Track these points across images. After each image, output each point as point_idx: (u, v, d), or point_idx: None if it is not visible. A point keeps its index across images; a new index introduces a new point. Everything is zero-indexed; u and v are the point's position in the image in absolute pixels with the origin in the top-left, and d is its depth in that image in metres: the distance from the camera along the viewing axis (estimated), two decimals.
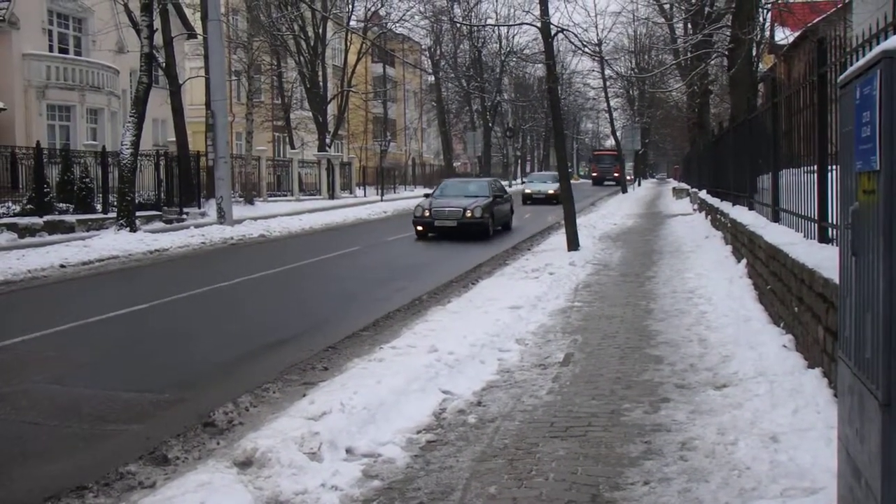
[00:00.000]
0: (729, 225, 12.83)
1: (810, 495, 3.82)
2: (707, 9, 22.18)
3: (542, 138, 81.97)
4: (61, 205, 20.82)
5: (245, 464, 4.45)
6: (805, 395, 5.00)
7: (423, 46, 60.49)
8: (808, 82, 7.00)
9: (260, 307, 10.77)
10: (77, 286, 12.57)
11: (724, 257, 12.28)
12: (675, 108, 44.97)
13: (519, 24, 34.05)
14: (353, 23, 44.26)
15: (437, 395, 5.84)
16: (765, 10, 22.14)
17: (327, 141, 41.37)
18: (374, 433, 4.97)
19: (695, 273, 11.46)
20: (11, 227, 18.41)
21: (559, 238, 16.12)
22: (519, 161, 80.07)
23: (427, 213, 19.31)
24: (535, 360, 6.94)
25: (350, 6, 44.87)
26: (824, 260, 5.49)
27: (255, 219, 23.72)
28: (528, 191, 36.43)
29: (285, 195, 36.31)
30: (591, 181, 68.30)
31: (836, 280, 3.82)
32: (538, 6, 15.10)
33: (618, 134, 53.88)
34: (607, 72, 37.61)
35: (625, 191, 46.53)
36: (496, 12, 58.46)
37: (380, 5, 45.55)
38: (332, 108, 44.10)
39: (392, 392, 5.62)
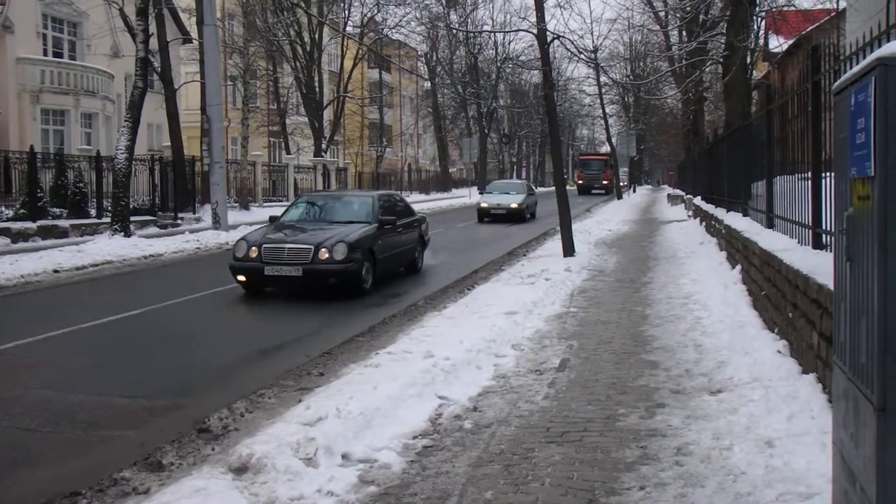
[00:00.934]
0: (723, 231, 12.86)
1: (805, 500, 3.83)
2: (702, 16, 22.25)
3: (538, 144, 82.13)
4: (55, 209, 20.77)
5: (240, 469, 4.44)
6: (800, 401, 5.02)
7: (419, 52, 60.68)
8: (802, 90, 7.04)
9: (255, 313, 10.76)
10: (71, 291, 12.53)
11: (718, 263, 12.30)
12: (671, 115, 45.08)
13: (515, 31, 34.20)
14: (349, 28, 44.32)
15: (434, 400, 5.84)
16: (759, 18, 22.23)
17: (323, 146, 41.37)
18: (371, 439, 4.97)
19: (690, 279, 11.48)
20: (4, 232, 18.36)
21: (555, 244, 16.14)
22: (515, 167, 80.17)
23: (255, 255, 11.40)
24: (531, 365, 6.94)
25: (346, 12, 44.95)
26: (818, 266, 5.51)
27: (251, 224, 23.59)
28: (484, 204, 27.85)
29: (281, 200, 36.26)
30: (576, 189, 59.67)
31: (831, 286, 3.83)
32: (534, 13, 15.15)
33: (613, 140, 53.99)
34: (603, 78, 37.83)
35: (620, 197, 46.60)
36: (492, 19, 58.72)
37: (376, 11, 45.65)
38: (328, 114, 44.11)
39: (388, 397, 5.61)
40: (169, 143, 28.66)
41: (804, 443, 4.40)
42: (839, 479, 3.28)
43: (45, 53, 28.59)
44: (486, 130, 60.88)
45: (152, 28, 22.43)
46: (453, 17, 50.58)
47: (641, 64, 44.99)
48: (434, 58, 59.07)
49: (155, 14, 23.66)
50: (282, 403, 6.06)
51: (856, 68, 3.10)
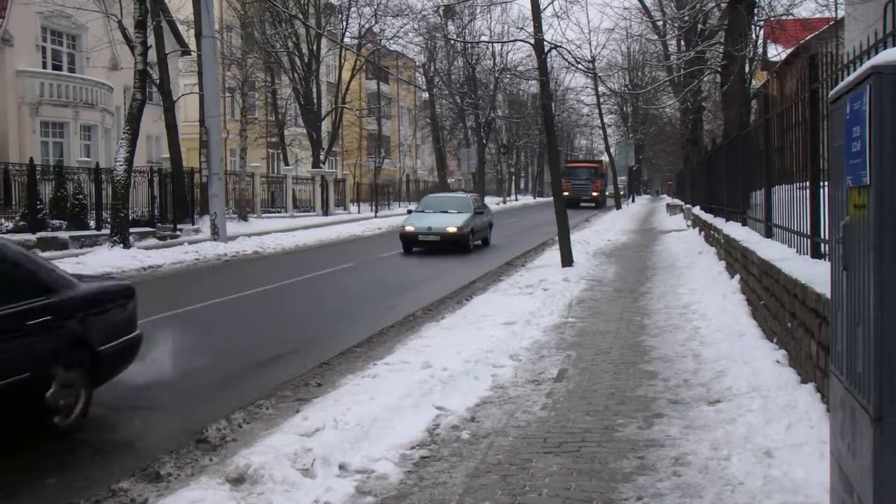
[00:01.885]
0: (722, 241, 12.87)
1: None
2: (700, 26, 22.33)
3: (536, 155, 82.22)
4: (55, 221, 20.78)
5: (238, 480, 4.43)
6: (798, 411, 5.01)
7: (417, 63, 60.81)
8: (799, 98, 7.05)
9: (253, 323, 10.74)
10: None
11: (717, 273, 12.31)
12: (669, 125, 45.24)
13: (513, 41, 34.28)
14: (347, 40, 44.44)
15: (431, 410, 5.83)
16: (757, 28, 22.34)
17: (321, 157, 41.44)
18: (368, 449, 4.95)
19: (688, 289, 11.47)
20: None
21: (553, 254, 16.14)
22: (513, 177, 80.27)
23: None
24: (529, 375, 6.93)
25: (344, 23, 45.12)
26: (817, 275, 5.51)
27: (249, 235, 23.69)
28: (409, 228, 20.24)
29: (279, 211, 36.32)
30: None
31: (829, 295, 3.83)
32: (532, 23, 15.20)
33: (612, 150, 54.10)
34: (601, 88, 37.95)
35: (618, 207, 46.65)
36: (490, 29, 58.89)
37: (374, 22, 45.78)
38: (326, 125, 44.20)
39: (385, 408, 5.60)
40: (168, 155, 28.69)
41: (803, 453, 4.39)
42: (837, 490, 3.27)
43: (45, 66, 28.65)
44: (484, 141, 60.95)
45: (151, 40, 22.51)
46: (451, 27, 50.76)
47: (640, 73, 45.16)
48: (432, 68, 59.19)
49: (153, 26, 23.70)
50: (279, 414, 6.05)
51: (851, 77, 3.11)
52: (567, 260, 14.59)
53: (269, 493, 4.27)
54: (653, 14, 28.91)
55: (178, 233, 25.02)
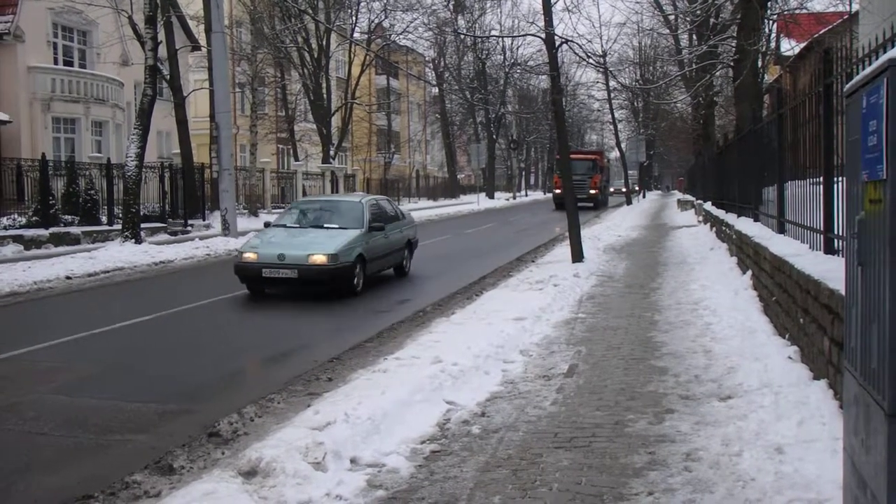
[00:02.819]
0: (734, 236, 12.82)
1: None
2: (712, 20, 22.23)
3: (546, 150, 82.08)
4: (67, 217, 20.89)
5: (250, 473, 4.45)
6: (810, 407, 4.99)
7: (426, 58, 60.77)
8: (813, 93, 7.01)
9: (264, 319, 10.77)
10: (83, 298, 12.59)
11: (729, 269, 12.26)
12: (680, 120, 45.04)
13: (523, 36, 34.19)
14: (356, 35, 44.44)
15: (442, 405, 5.83)
16: (770, 22, 22.20)
17: (331, 153, 41.47)
18: (379, 443, 4.97)
19: (700, 285, 11.44)
20: (17, 239, 18.47)
21: (563, 250, 16.11)
22: (523, 173, 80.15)
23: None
24: (540, 371, 6.93)
25: (354, 18, 45.09)
26: (830, 271, 5.48)
27: (260, 231, 23.72)
28: (248, 256, 12.27)
29: None
30: (554, 201, 43.24)
31: (842, 291, 3.81)
32: (542, 17, 15.16)
33: (623, 145, 53.90)
34: (612, 83, 37.78)
35: (629, 202, 46.51)
36: (500, 24, 58.80)
37: (383, 17, 45.77)
38: (335, 120, 44.24)
39: (396, 403, 5.61)
40: (178, 151, 28.78)
41: (815, 449, 4.37)
42: (850, 486, 3.26)
43: (56, 62, 28.77)
44: (494, 136, 60.93)
45: (161, 36, 22.54)
46: (461, 22, 50.72)
47: (651, 68, 44.95)
48: (442, 63, 59.19)
49: (163, 22, 23.76)
50: (291, 408, 6.08)
51: (867, 70, 3.08)
52: (577, 256, 14.56)
53: (280, 486, 4.29)
54: (664, 8, 28.81)
55: (188, 228, 25.11)
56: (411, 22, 47.49)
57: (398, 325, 9.72)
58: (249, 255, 12.08)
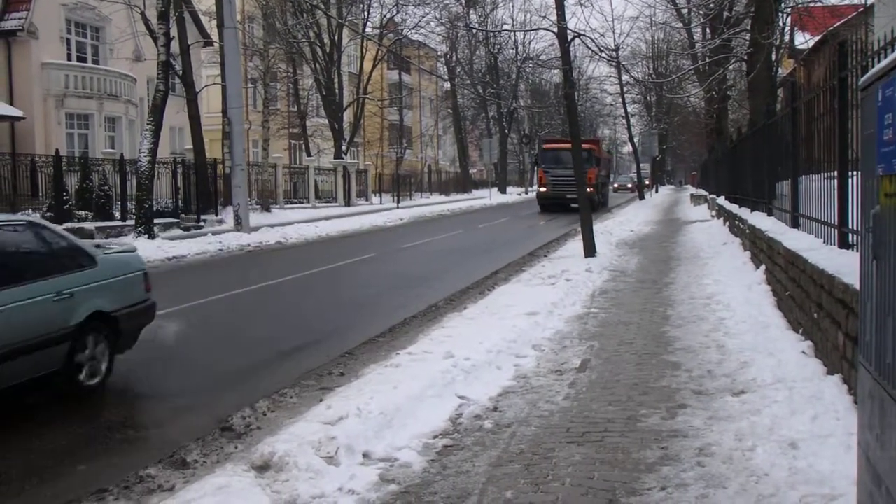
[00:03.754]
0: (747, 231, 12.75)
1: (830, 502, 3.78)
2: (726, 13, 22.08)
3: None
4: (80, 212, 21.01)
5: (263, 467, 4.47)
6: (824, 402, 4.96)
7: (438, 53, 60.71)
8: (828, 86, 6.95)
9: (277, 313, 10.81)
10: None
11: (742, 263, 12.20)
12: (693, 114, 44.83)
13: (535, 30, 34.03)
14: (368, 30, 44.45)
15: (454, 400, 5.84)
16: (784, 15, 22.04)
17: (343, 148, 41.52)
18: (391, 438, 4.98)
19: (713, 279, 11.39)
20: None
21: (576, 244, 16.08)
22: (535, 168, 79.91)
23: None
24: (552, 365, 6.92)
25: (366, 13, 45.08)
26: (844, 265, 5.44)
27: (272, 226, 23.83)
28: None
29: (302, 202, 36.45)
30: (538, 201, 36.02)
31: (857, 285, 3.78)
32: (555, 11, 15.10)
33: (635, 140, 53.65)
34: (624, 77, 37.59)
35: (642, 197, 46.35)
36: (512, 18, 58.56)
37: (395, 12, 45.74)
38: (348, 116, 44.26)
39: (408, 397, 5.62)
40: (191, 146, 28.89)
41: (829, 444, 4.35)
42: (864, 482, 3.24)
43: (69, 58, 28.93)
44: (506, 131, 60.80)
45: (173, 32, 22.62)
46: (473, 16, 50.57)
47: (664, 62, 44.73)
48: (454, 58, 59.12)
49: (176, 17, 23.84)
50: (303, 403, 6.09)
51: (883, 62, 3.05)
52: (590, 250, 14.52)
53: (293, 480, 4.31)
54: (677, 1, 28.63)
55: (201, 223, 25.20)
56: (423, 16, 47.50)
57: (411, 319, 9.72)
58: None
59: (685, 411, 5.42)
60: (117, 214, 22.31)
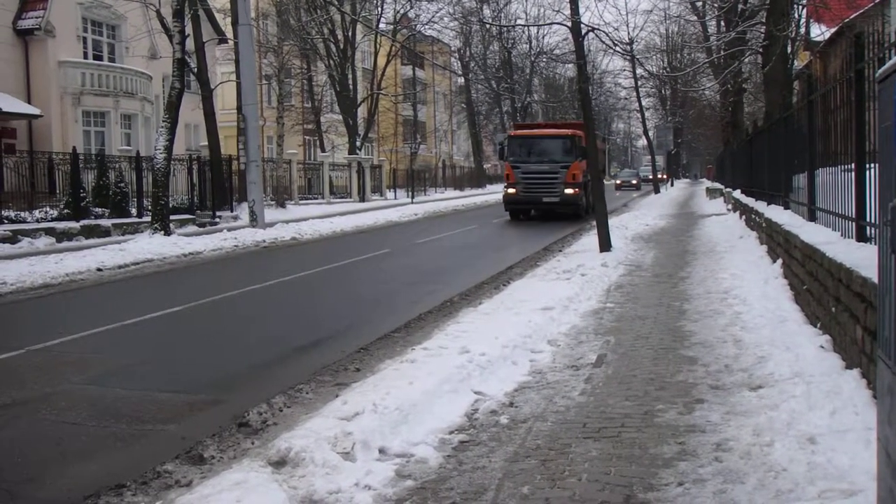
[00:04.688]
0: (764, 225, 12.67)
1: (849, 497, 3.75)
2: (740, 6, 21.92)
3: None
4: (97, 209, 21.19)
5: (279, 463, 4.49)
6: (843, 397, 4.92)
7: (452, 48, 60.66)
8: (844, 78, 6.89)
9: (292, 309, 10.85)
10: (113, 289, 12.76)
11: (758, 257, 12.13)
12: (709, 108, 44.55)
13: (549, 24, 33.93)
14: (382, 25, 44.47)
15: (469, 395, 5.84)
16: (800, 6, 21.84)
17: (357, 144, 41.59)
18: (407, 433, 4.98)
19: (729, 273, 11.32)
20: (49, 232, 18.77)
21: (591, 239, 16.04)
22: None
23: None
24: (568, 361, 6.91)
25: (379, 9, 45.11)
26: (862, 259, 5.40)
27: (287, 222, 23.91)
28: None
29: (316, 198, 36.58)
30: (504, 206, 27.40)
31: (875, 279, 3.75)
32: (568, 6, 15.04)
33: (650, 133, 53.39)
34: (639, 71, 37.45)
35: (657, 191, 46.14)
36: (526, 13, 58.61)
37: (409, 7, 45.72)
38: (362, 111, 44.34)
39: (424, 393, 5.62)
40: (206, 143, 29.04)
41: (847, 439, 4.32)
42: (884, 477, 3.21)
43: (86, 56, 29.16)
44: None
45: (188, 29, 22.71)
46: (486, 11, 50.51)
47: (678, 55, 44.46)
48: (467, 53, 59.04)
49: (191, 15, 23.94)
50: (319, 398, 6.11)
51: None
52: (605, 245, 14.48)
53: (310, 475, 4.32)
54: None
55: (217, 220, 25.34)
56: (437, 12, 47.48)
57: (426, 315, 9.73)
58: None
59: (702, 406, 5.40)
60: (133, 211, 22.49)
